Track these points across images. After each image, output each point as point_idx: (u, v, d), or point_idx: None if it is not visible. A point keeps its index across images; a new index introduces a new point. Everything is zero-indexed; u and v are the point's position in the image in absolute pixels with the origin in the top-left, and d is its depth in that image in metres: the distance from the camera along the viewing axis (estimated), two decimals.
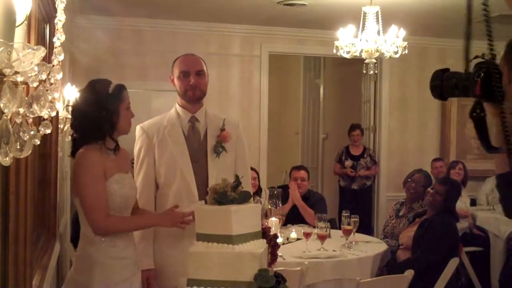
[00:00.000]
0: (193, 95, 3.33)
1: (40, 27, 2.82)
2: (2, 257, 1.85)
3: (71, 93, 4.09)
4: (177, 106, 3.41)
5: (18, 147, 1.22)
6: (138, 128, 3.35)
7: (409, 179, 6.22)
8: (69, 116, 4.02)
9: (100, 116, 2.77)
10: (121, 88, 2.86)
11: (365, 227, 5.21)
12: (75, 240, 4.15)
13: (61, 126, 3.95)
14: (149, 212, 3.20)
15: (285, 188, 5.83)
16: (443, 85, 1.49)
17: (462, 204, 6.97)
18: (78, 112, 2.88)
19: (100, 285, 2.74)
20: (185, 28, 7.24)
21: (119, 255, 2.82)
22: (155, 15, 6.89)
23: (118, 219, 2.83)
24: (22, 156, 1.24)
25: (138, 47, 7.15)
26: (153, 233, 3.29)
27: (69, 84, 4.14)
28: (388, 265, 4.92)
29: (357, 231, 4.98)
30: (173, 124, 3.35)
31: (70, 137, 3.01)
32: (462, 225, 6.71)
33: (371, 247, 4.82)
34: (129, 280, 2.86)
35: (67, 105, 4.02)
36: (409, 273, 3.94)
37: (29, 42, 1.97)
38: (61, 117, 3.94)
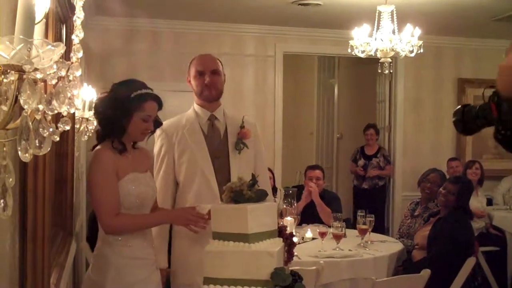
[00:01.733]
0: (210, 94, 3.34)
1: (57, 27, 2.84)
2: (20, 254, 1.86)
3: (88, 93, 4.11)
4: (195, 105, 3.42)
5: (37, 144, 1.22)
6: None
7: (424, 179, 6.18)
8: (86, 116, 4.06)
9: (113, 115, 2.75)
10: (144, 98, 2.79)
11: (379, 227, 5.18)
12: (91, 239, 4.17)
13: (77, 126, 3.97)
14: (162, 209, 3.18)
15: (299, 188, 5.81)
16: (465, 119, 1.52)
17: (478, 203, 6.93)
18: (99, 104, 2.85)
19: (115, 286, 2.73)
20: (199, 28, 7.26)
21: (134, 256, 2.80)
22: (169, 15, 6.91)
23: (127, 217, 2.78)
24: (41, 153, 1.25)
25: (152, 47, 7.17)
26: (175, 233, 3.30)
27: (85, 84, 4.16)
28: (404, 265, 4.90)
29: (371, 231, 4.96)
30: (192, 123, 3.36)
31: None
32: (478, 224, 6.68)
33: (387, 246, 4.81)
34: (145, 281, 2.83)
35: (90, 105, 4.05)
36: (425, 273, 3.92)
37: None
38: (77, 117, 3.96)
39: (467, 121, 1.50)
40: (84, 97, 4.04)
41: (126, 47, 6.94)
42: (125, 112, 2.75)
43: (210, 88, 3.32)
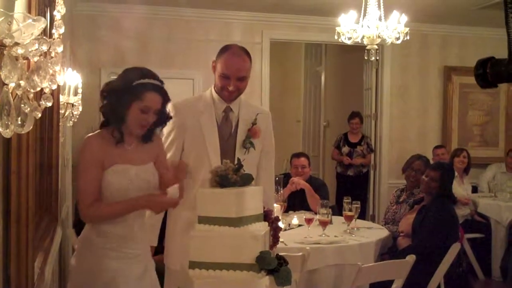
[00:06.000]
0: (229, 97, 3.28)
1: (41, 9, 2.80)
2: (4, 236, 1.85)
3: (73, 79, 4.08)
4: (214, 92, 3.34)
5: (19, 122, 1.21)
6: (171, 106, 3.09)
7: (408, 167, 6.18)
8: (71, 101, 4.03)
9: (113, 101, 2.69)
10: (144, 87, 2.68)
11: (361, 214, 5.20)
12: (77, 226, 4.16)
13: (62, 111, 3.94)
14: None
15: (287, 176, 5.81)
16: (492, 73, 1.54)
17: (463, 191, 6.98)
18: (105, 89, 2.76)
19: (95, 274, 2.70)
20: (186, 15, 7.21)
21: (116, 248, 2.75)
22: (156, 2, 6.85)
23: (100, 205, 2.69)
24: (23, 132, 1.24)
25: (139, 34, 7.11)
26: (169, 217, 3.29)
27: (70, 69, 4.13)
28: (389, 252, 4.92)
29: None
30: (208, 111, 3.29)
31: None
32: (463, 212, 6.73)
33: (373, 233, 4.83)
34: (126, 270, 2.77)
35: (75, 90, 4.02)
36: (411, 258, 3.95)
37: None
38: (62, 102, 3.93)
39: (493, 74, 1.51)
40: (69, 83, 4.01)
41: (113, 33, 6.89)
42: (124, 99, 2.67)
43: (232, 92, 3.26)
